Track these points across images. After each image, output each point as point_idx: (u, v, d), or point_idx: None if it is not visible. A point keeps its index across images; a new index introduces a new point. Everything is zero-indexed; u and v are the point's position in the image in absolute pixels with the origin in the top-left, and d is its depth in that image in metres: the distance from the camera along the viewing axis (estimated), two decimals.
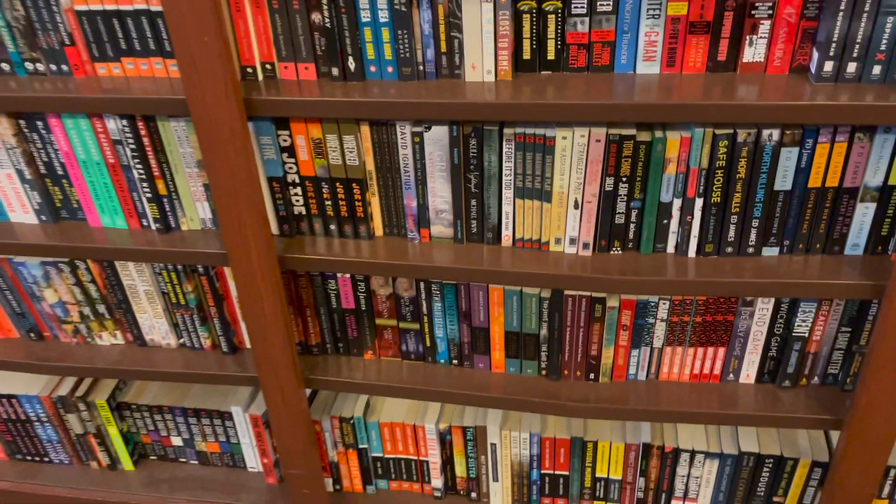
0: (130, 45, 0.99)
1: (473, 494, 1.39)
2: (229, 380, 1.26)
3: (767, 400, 1.13)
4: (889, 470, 1.18)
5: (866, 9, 0.83)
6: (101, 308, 1.27)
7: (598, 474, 1.30)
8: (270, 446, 1.41)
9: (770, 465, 1.21)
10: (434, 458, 1.35)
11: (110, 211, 1.15)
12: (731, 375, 1.15)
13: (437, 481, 1.38)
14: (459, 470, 1.36)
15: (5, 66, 1.04)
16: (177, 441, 1.47)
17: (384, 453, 1.37)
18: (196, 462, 1.50)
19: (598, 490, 1.32)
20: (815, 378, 1.13)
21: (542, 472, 1.32)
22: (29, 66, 1.04)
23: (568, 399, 1.17)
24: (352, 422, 1.32)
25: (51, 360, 1.31)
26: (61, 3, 0.98)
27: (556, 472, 1.32)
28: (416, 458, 1.36)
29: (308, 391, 1.33)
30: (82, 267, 1.22)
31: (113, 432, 1.45)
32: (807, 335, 1.08)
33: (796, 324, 1.06)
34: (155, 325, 1.27)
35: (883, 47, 0.85)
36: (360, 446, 1.36)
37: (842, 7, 0.83)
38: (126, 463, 1.49)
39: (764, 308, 1.06)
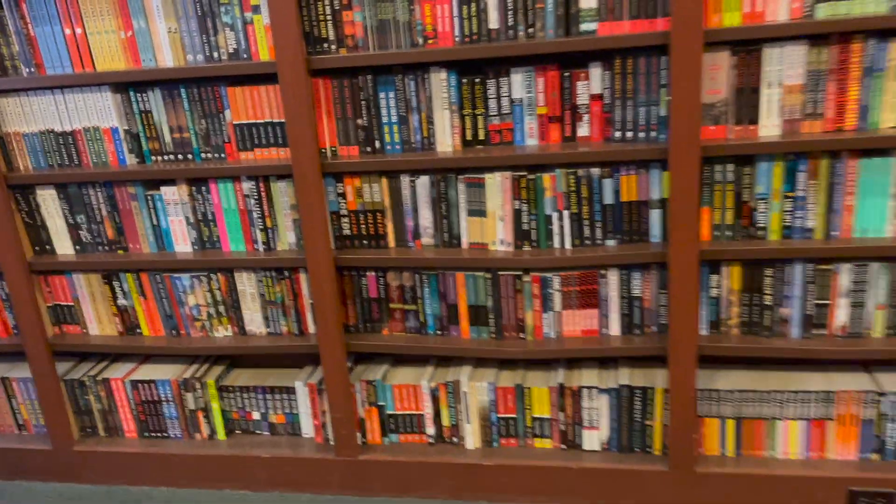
0: (260, 140, 1.87)
1: (455, 439, 2.06)
2: (298, 349, 2.01)
3: (627, 342, 1.86)
4: (701, 392, 1.87)
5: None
6: (221, 308, 2.06)
7: (534, 415, 1.99)
8: (320, 411, 2.11)
9: (639, 395, 1.91)
10: (428, 410, 2.05)
11: (236, 240, 1.98)
12: (606, 329, 1.89)
13: (430, 429, 2.06)
14: (445, 420, 2.05)
15: (189, 157, 1.92)
16: (256, 415, 2.18)
17: (395, 410, 2.07)
18: (268, 433, 2.19)
19: (535, 428, 2.00)
20: (654, 327, 1.87)
21: (499, 415, 2.01)
22: (202, 155, 1.92)
23: (509, 349, 1.90)
24: (374, 383, 2.05)
25: (182, 347, 2.07)
26: (226, 120, 1.87)
27: (508, 416, 2.01)
28: (416, 412, 2.06)
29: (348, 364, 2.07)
30: (214, 278, 2.02)
31: (215, 407, 2.16)
32: (641, 295, 1.83)
33: (633, 287, 1.83)
34: (254, 319, 2.05)
35: (642, 123, 1.70)
36: (380, 403, 2.07)
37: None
38: (220, 434, 2.19)
39: (613, 278, 1.83)
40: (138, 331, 2.13)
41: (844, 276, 1.72)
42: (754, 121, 1.65)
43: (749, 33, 1.58)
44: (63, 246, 2.07)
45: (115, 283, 2.08)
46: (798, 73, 1.60)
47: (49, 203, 2.02)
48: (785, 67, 1.60)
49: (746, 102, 1.64)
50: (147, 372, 2.19)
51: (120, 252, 2.04)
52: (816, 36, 1.58)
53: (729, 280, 1.78)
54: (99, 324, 2.14)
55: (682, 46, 1.57)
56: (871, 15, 1.55)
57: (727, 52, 1.61)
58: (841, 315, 1.75)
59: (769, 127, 1.65)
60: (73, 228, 2.04)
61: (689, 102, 1.60)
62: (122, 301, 2.10)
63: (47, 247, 2.07)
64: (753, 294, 1.78)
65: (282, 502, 2.09)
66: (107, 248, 2.05)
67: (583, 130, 1.75)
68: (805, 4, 1.56)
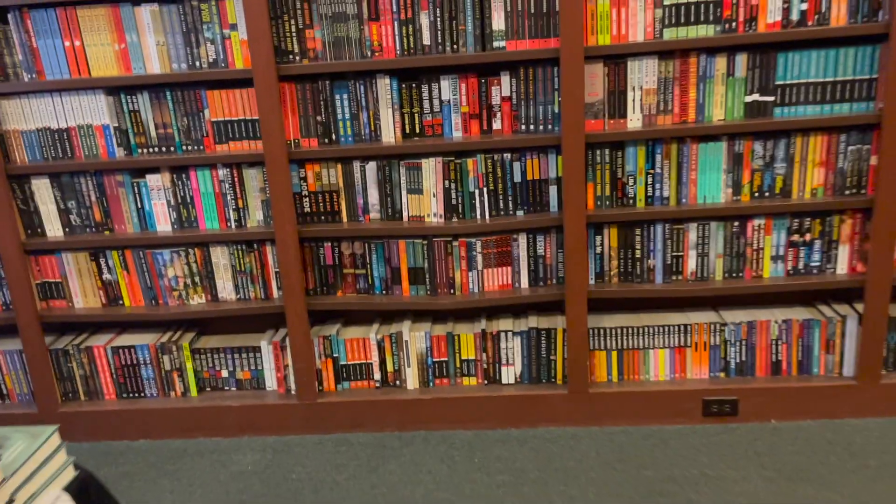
0: (234, 134, 2.28)
1: (398, 382, 2.50)
2: (265, 310, 2.40)
3: (534, 292, 2.37)
4: (592, 330, 2.39)
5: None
6: (197, 279, 2.42)
7: (462, 357, 2.46)
8: (283, 366, 2.50)
9: (545, 336, 2.41)
10: (375, 359, 2.48)
11: (211, 219, 2.36)
12: (518, 283, 2.39)
13: (377, 375, 2.49)
14: (389, 366, 2.49)
15: (172, 149, 2.30)
16: (224, 373, 2.55)
17: (348, 361, 2.49)
18: (236, 389, 2.56)
19: (463, 368, 2.47)
20: (554, 280, 2.38)
21: (434, 359, 2.47)
22: (184, 147, 2.30)
23: (442, 303, 2.37)
24: (330, 338, 2.46)
25: (160, 314, 2.42)
26: (205, 117, 2.27)
27: (441, 360, 2.47)
28: (365, 362, 2.49)
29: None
30: (191, 252, 2.39)
31: (189, 368, 2.51)
32: (544, 254, 2.34)
33: (538, 248, 2.34)
34: (226, 287, 2.43)
35: (541, 118, 2.22)
36: (334, 355, 2.48)
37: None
38: (193, 391, 2.54)
39: (522, 241, 2.33)
40: (120, 302, 2.46)
41: (692, 233, 2.28)
42: (623, 115, 2.20)
43: (617, 50, 2.13)
44: (53, 229, 2.38)
45: (102, 260, 2.41)
46: (653, 79, 2.16)
47: (43, 191, 2.34)
48: (643, 75, 2.16)
49: (617, 102, 2.19)
50: (126, 340, 2.52)
51: (106, 233, 2.38)
52: (664, 52, 2.15)
53: (609, 239, 2.32)
54: (84, 297, 2.46)
55: (568, 60, 2.10)
56: (703, 37, 2.12)
57: (601, 64, 2.16)
58: (691, 263, 2.31)
59: (634, 120, 2.20)
60: (64, 213, 2.37)
61: (575, 102, 2.13)
62: (107, 276, 2.43)
63: (38, 230, 2.39)
64: (627, 250, 2.32)
65: (251, 444, 2.46)
66: (94, 229, 2.38)
67: (497, 124, 2.26)
68: (656, 29, 2.12)
